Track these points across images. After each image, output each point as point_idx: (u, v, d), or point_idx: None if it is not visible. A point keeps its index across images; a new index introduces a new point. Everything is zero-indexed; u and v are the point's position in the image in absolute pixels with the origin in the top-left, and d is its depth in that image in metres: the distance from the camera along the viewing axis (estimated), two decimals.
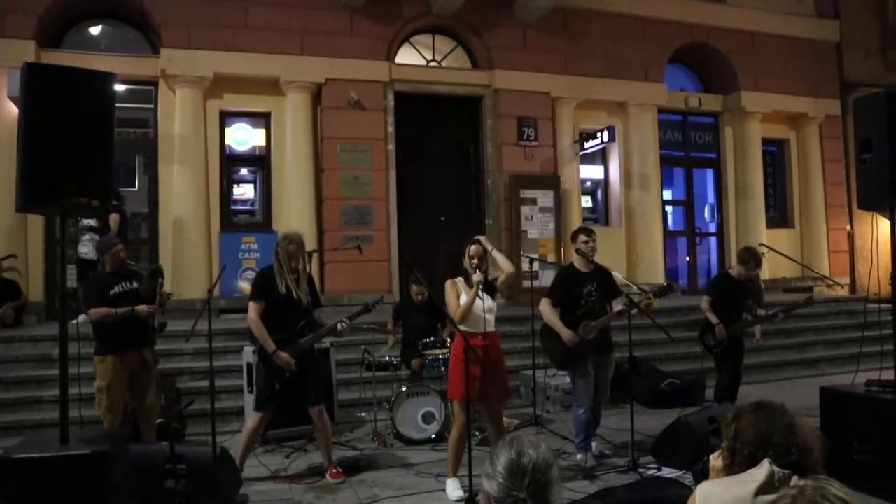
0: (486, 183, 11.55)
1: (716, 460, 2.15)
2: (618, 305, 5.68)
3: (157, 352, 5.84)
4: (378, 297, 5.54)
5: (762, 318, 6.71)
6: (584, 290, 5.67)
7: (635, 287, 5.95)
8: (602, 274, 5.81)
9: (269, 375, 5.30)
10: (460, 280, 5.14)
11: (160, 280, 5.68)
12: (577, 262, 5.87)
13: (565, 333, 5.58)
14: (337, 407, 7.06)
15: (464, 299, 5.03)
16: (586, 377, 5.68)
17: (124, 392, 5.45)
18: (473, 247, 5.10)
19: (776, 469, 1.93)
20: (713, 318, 6.47)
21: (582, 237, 5.82)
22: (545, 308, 5.77)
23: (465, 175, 11.64)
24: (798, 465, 1.95)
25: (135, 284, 5.64)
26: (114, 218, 8.24)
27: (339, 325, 5.31)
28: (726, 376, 6.61)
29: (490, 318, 5.08)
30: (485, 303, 5.06)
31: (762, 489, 1.90)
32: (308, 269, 5.58)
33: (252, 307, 5.31)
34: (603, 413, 6.11)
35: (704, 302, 6.66)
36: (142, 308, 5.47)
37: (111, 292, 5.49)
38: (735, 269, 6.71)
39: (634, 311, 5.61)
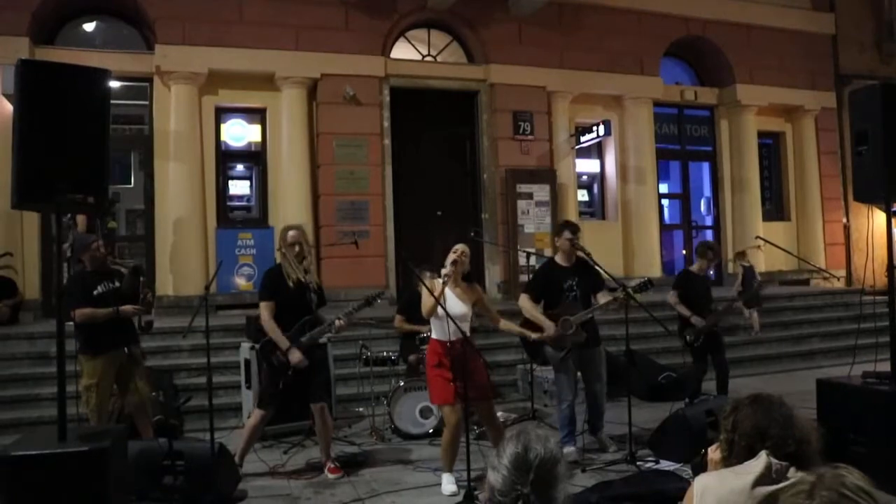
0: (483, 177, 11.54)
1: (714, 453, 2.16)
2: (602, 299, 5.67)
3: (142, 348, 5.83)
4: (379, 292, 5.46)
5: (728, 308, 7.10)
6: (564, 284, 5.66)
7: (615, 282, 5.86)
8: (583, 268, 5.77)
9: (273, 374, 5.27)
10: (438, 281, 4.93)
11: (141, 279, 5.64)
12: (558, 257, 5.84)
13: (548, 326, 5.52)
14: (335, 402, 7.06)
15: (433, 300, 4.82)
16: (567, 372, 5.68)
17: (111, 390, 5.44)
18: (459, 244, 5.06)
19: (773, 461, 1.93)
20: (685, 311, 6.65)
21: (567, 234, 5.75)
22: (525, 303, 5.72)
23: (461, 170, 11.64)
24: (796, 457, 1.95)
25: (117, 283, 5.57)
26: (80, 218, 8.22)
27: (336, 322, 5.25)
28: (701, 370, 6.77)
29: (461, 324, 4.74)
30: (454, 308, 4.85)
31: (759, 481, 1.90)
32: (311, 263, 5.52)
33: (263, 307, 5.26)
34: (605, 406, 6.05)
35: (672, 296, 6.79)
36: (126, 308, 5.43)
37: (94, 292, 5.43)
38: (696, 264, 6.96)
39: (614, 306, 5.61)
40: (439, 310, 4.78)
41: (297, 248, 5.33)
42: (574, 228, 5.85)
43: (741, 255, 11.11)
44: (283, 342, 5.18)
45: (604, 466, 5.42)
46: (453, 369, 4.76)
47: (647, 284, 5.77)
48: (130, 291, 5.55)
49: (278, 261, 5.48)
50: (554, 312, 5.62)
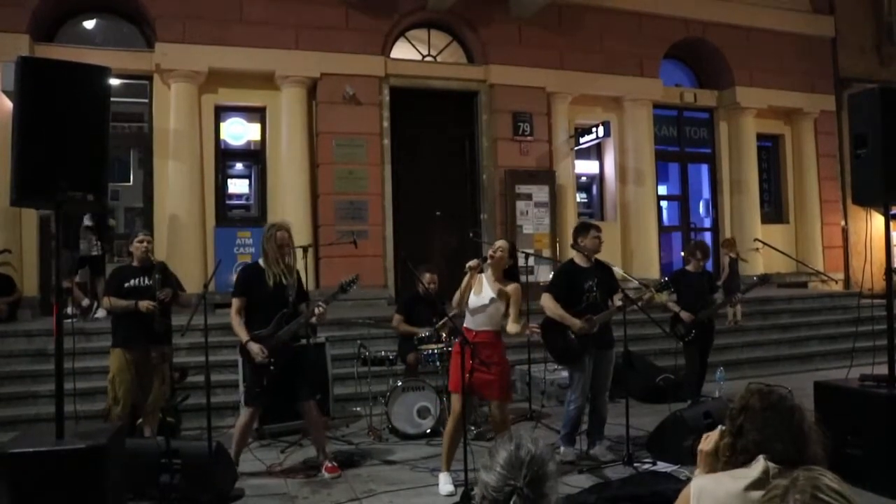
0: (482, 178, 11.55)
1: (705, 443, 2.15)
2: (619, 300, 5.68)
3: (167, 350, 5.80)
4: (353, 277, 5.41)
5: (726, 301, 7.42)
6: (584, 284, 5.66)
7: (636, 281, 5.96)
8: (602, 269, 5.81)
9: (254, 372, 5.28)
10: (484, 275, 5.06)
11: (157, 277, 5.66)
12: (577, 258, 5.85)
13: (574, 322, 5.51)
14: (332, 402, 7.07)
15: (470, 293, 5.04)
16: (583, 372, 5.67)
17: (131, 386, 5.45)
18: (500, 241, 5.22)
19: (771, 465, 1.93)
20: (675, 307, 6.91)
21: (594, 232, 5.82)
22: (548, 302, 5.70)
23: (460, 170, 11.64)
24: (796, 466, 1.94)
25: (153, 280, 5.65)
26: None
27: (317, 309, 5.24)
28: (696, 366, 6.92)
29: (480, 317, 5.00)
30: (480, 299, 4.99)
31: (754, 485, 1.90)
32: (295, 262, 5.53)
33: (233, 303, 5.32)
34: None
35: (664, 295, 6.97)
36: (143, 303, 5.49)
37: (126, 285, 5.58)
38: (691, 263, 7.17)
39: (632, 306, 5.63)
40: (469, 302, 4.99)
41: (285, 249, 5.32)
42: (598, 227, 5.94)
43: (729, 244, 11.07)
44: (243, 335, 5.21)
45: (601, 467, 5.42)
46: (473, 359, 4.82)
47: (668, 283, 5.99)
48: (157, 289, 5.62)
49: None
50: (574, 312, 5.63)
